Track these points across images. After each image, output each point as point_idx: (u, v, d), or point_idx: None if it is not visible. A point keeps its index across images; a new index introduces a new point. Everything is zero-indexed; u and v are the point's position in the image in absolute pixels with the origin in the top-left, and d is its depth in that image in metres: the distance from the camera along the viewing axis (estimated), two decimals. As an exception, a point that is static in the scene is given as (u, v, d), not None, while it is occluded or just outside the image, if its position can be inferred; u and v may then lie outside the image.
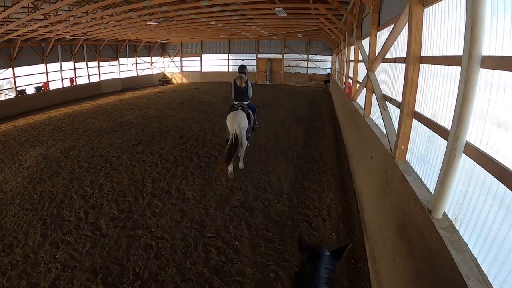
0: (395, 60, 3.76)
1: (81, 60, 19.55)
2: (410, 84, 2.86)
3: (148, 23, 13.01)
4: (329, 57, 22.24)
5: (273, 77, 24.03)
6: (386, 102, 4.03)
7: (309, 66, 22.97)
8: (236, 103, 6.15)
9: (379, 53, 4.35)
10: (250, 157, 6.56)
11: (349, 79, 9.20)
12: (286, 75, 23.67)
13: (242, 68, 6.21)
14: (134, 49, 24.09)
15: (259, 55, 24.06)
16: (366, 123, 4.89)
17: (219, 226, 4.10)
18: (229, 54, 25.00)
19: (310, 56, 22.73)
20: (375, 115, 5.02)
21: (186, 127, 9.49)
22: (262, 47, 23.88)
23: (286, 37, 22.28)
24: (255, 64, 24.27)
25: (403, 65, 3.49)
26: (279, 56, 23.58)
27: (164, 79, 26.68)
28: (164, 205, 4.74)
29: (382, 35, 4.78)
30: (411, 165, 2.98)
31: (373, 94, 5.03)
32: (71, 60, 18.81)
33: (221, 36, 21.93)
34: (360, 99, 6.72)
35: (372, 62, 4.85)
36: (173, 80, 27.40)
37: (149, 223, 4.28)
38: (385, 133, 3.73)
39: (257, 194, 4.90)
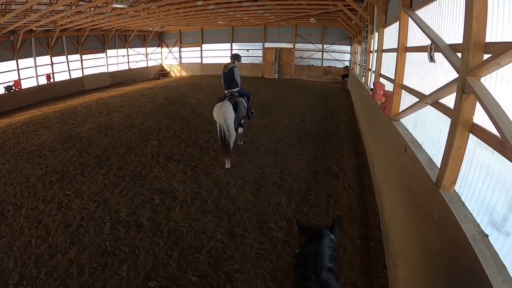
0: None
1: (60, 53, 16.91)
2: None
3: (113, 5, 10.09)
4: (347, 48, 18.67)
5: (282, 70, 20.67)
6: None
7: (324, 57, 19.45)
8: (226, 92, 5.83)
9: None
10: (197, 234, 3.55)
11: (382, 78, 5.97)
12: (297, 68, 20.26)
13: (234, 56, 5.95)
14: (125, 39, 21.30)
15: (267, 45, 20.73)
16: (450, 215, 1.77)
17: None
18: (233, 44, 21.79)
19: (325, 46, 19.21)
20: (471, 191, 1.90)
21: (139, 149, 6.58)
22: (270, 35, 20.54)
23: (298, 24, 18.87)
24: (261, 55, 20.99)
25: None
26: (290, 45, 20.17)
27: (161, 72, 23.83)
28: None
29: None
30: None
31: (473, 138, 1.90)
32: (48, 54, 16.20)
33: (220, 23, 18.76)
34: (411, 122, 3.56)
35: (476, 52, 1.71)
36: (172, 73, 24.53)
37: None
38: None
39: None
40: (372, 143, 5.19)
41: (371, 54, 7.36)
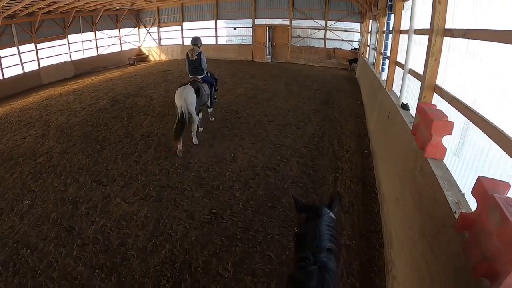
0: None
1: (10, 44, 13.66)
2: None
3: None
4: (357, 25, 14.96)
5: (277, 52, 17.12)
6: None
7: (327, 37, 15.78)
8: (190, 77, 5.88)
9: None
10: None
11: (442, 100, 2.71)
12: (294, 50, 16.66)
13: (194, 40, 5.85)
14: (91, 21, 17.80)
15: (257, 21, 17.07)
16: None
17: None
18: (217, 21, 18.19)
19: (329, 23, 15.47)
20: None
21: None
22: (261, 10, 16.84)
23: (295, -5, 15.22)
24: (251, 34, 17.39)
25: None
26: (285, 22, 16.50)
27: (138, 56, 20.45)
28: None
29: None
30: None
31: None
32: (-8, 47, 13.05)
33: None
34: None
35: None
36: (150, 56, 21.16)
37: None
38: None
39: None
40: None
41: (408, 36, 3.89)
